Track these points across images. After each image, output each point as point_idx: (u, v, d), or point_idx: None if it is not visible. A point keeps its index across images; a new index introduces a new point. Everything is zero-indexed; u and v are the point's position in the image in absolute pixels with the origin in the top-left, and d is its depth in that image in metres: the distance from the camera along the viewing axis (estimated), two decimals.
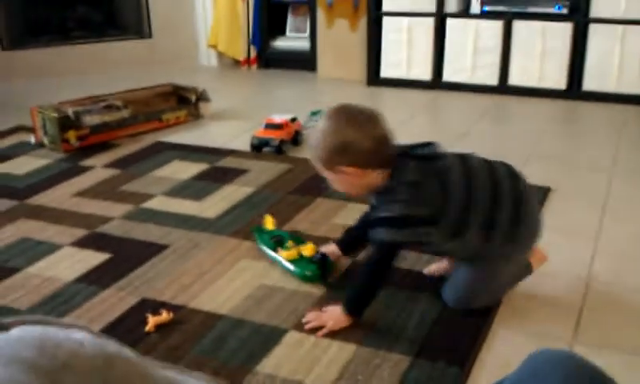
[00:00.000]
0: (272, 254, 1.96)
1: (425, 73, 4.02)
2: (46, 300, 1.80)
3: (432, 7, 3.90)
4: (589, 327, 1.66)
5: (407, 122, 3.42)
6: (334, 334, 1.61)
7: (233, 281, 1.88)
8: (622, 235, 2.13)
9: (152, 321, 1.65)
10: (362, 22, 4.17)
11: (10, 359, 0.53)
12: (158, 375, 0.65)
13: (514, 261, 1.74)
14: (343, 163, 1.58)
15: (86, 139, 3.03)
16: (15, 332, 0.58)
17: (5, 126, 3.38)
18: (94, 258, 2.02)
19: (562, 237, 2.10)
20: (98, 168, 2.80)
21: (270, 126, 2.98)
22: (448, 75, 3.98)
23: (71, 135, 2.98)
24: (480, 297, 1.70)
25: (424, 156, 1.62)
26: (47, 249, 2.09)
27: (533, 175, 2.56)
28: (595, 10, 3.58)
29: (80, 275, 1.92)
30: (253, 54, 4.68)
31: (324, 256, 1.87)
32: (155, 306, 1.73)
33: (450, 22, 3.90)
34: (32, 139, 3.11)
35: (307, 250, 1.91)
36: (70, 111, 3.01)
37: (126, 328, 1.66)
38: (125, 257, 2.03)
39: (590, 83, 3.69)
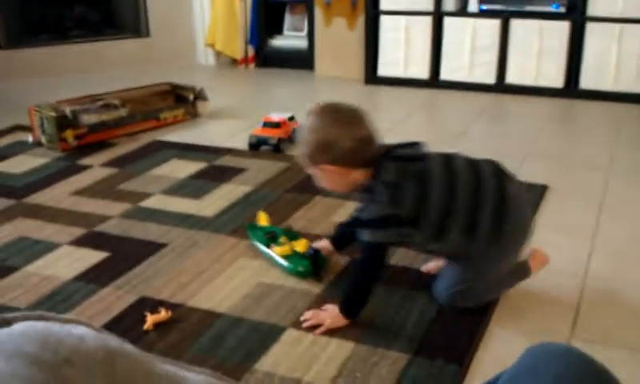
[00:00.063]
0: (265, 250, 1.97)
1: (422, 71, 4.03)
2: (45, 299, 1.80)
3: (430, 6, 3.91)
4: (586, 325, 1.66)
5: (405, 121, 3.43)
6: (332, 332, 1.62)
7: (231, 279, 1.89)
8: (618, 233, 2.14)
9: (150, 319, 1.66)
10: (360, 21, 4.18)
11: (13, 353, 0.53)
12: (160, 370, 0.65)
13: (504, 261, 1.71)
14: (326, 161, 1.60)
15: (84, 138, 3.03)
16: (18, 327, 0.58)
17: (2, 125, 3.37)
18: (93, 257, 2.02)
19: (559, 235, 2.11)
20: (96, 167, 2.80)
21: (268, 125, 2.98)
22: (445, 74, 3.99)
23: (69, 134, 2.98)
24: (468, 296, 1.69)
25: (406, 156, 1.63)
26: (45, 248, 2.09)
27: (530, 174, 2.58)
28: (592, 9, 3.59)
29: (78, 274, 1.92)
30: (250, 52, 4.68)
31: (316, 251, 1.89)
32: (154, 305, 1.74)
33: (447, 20, 3.90)
34: (30, 138, 3.11)
35: (300, 245, 1.92)
36: (67, 110, 3.01)
37: (124, 326, 1.66)
38: (123, 255, 2.03)
39: (587, 82, 3.70)
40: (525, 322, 1.68)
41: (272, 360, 1.53)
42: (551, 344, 0.88)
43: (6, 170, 2.79)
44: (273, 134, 2.92)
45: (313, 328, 1.64)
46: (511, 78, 3.84)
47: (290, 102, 3.79)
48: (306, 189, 2.46)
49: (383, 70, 4.13)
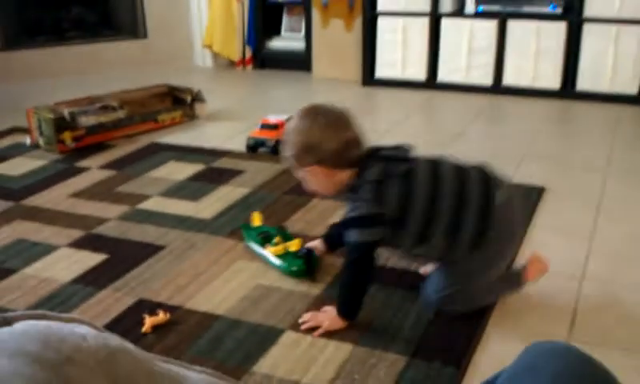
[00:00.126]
0: (259, 250, 1.98)
1: (420, 73, 4.03)
2: (43, 301, 1.80)
3: (427, 7, 3.91)
4: (583, 326, 1.67)
5: (402, 122, 3.43)
6: (330, 334, 1.62)
7: (229, 281, 1.89)
8: (616, 235, 2.14)
9: (149, 321, 1.66)
10: (357, 22, 4.18)
11: (15, 352, 0.54)
12: (161, 369, 0.65)
13: (493, 267, 1.69)
14: (311, 162, 1.61)
15: (82, 140, 3.03)
16: (19, 326, 0.58)
17: (0, 127, 3.37)
18: (91, 259, 2.02)
19: (557, 237, 2.11)
20: (94, 169, 2.80)
21: (266, 127, 2.98)
22: (443, 75, 3.99)
23: (67, 136, 2.98)
24: (457, 299, 1.67)
25: (391, 157, 1.63)
26: (43, 250, 2.09)
27: (527, 175, 2.59)
28: (589, 10, 3.60)
29: (76, 276, 1.92)
30: (248, 54, 4.68)
31: (309, 251, 1.90)
32: (152, 307, 1.74)
33: (444, 21, 3.91)
34: (27, 140, 3.11)
35: (293, 245, 1.93)
36: (65, 112, 3.01)
37: (122, 329, 1.66)
38: (121, 258, 2.03)
39: (584, 83, 3.70)
40: (522, 323, 1.68)
41: (270, 362, 1.53)
42: (550, 342, 0.88)
43: (4, 172, 2.79)
44: (270, 136, 2.93)
45: (311, 330, 1.64)
46: (508, 79, 3.84)
47: (288, 103, 3.79)
48: (304, 191, 2.46)
49: (381, 72, 4.14)
